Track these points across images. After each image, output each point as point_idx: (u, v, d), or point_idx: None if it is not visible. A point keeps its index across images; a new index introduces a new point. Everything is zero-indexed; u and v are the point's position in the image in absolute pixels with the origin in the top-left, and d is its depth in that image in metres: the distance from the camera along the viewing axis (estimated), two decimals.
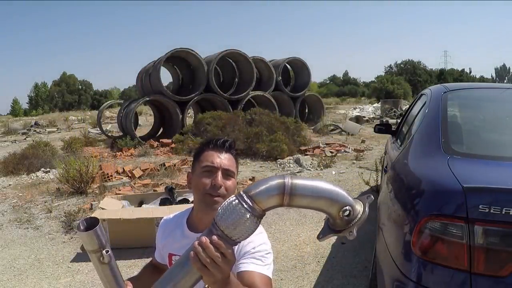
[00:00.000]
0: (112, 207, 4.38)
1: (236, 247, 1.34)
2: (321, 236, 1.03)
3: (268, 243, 1.43)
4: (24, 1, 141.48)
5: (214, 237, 0.92)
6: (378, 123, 5.51)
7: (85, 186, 6.20)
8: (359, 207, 0.96)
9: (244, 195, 0.93)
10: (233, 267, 1.31)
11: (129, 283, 1.39)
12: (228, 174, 1.42)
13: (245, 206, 0.91)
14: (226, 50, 14.32)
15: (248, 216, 0.91)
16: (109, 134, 15.28)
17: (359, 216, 0.96)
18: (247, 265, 1.34)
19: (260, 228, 1.43)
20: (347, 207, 0.94)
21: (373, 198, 0.97)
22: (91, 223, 1.15)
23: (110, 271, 1.24)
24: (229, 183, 1.41)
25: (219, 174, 1.39)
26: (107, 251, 1.19)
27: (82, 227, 1.13)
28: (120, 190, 6.23)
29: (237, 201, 0.92)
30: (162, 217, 1.68)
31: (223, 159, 1.43)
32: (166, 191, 5.08)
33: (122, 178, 7.07)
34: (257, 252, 1.39)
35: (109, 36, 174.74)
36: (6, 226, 4.91)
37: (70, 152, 10.19)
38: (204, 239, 0.93)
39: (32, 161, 8.38)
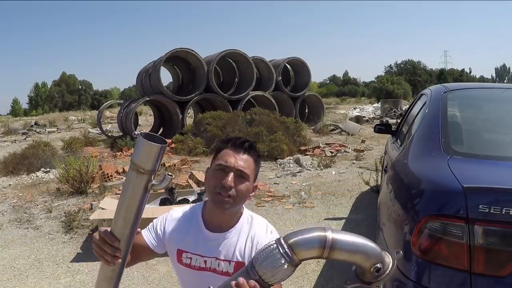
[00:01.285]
0: (112, 207, 4.38)
1: (255, 249, 1.43)
2: (349, 283, 1.04)
3: None
4: (24, 2, 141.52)
5: (252, 282, 0.97)
6: (378, 123, 5.52)
7: (85, 186, 6.20)
8: (388, 262, 0.99)
9: (284, 243, 0.96)
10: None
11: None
12: (241, 175, 1.37)
13: (284, 255, 0.95)
14: (226, 50, 14.32)
15: (286, 265, 0.95)
16: (109, 134, 15.27)
17: (387, 271, 0.98)
18: None
19: (270, 226, 1.52)
20: (378, 264, 0.97)
21: (402, 254, 1.02)
22: (153, 139, 1.07)
23: (143, 203, 1.15)
24: (241, 186, 1.37)
25: (231, 174, 1.35)
26: (170, 176, 1.11)
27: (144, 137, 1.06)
28: (120, 190, 6.22)
29: (276, 249, 0.96)
30: None
31: (238, 159, 1.38)
32: (166, 191, 5.07)
33: (122, 178, 7.06)
34: None
35: (109, 36, 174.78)
36: (6, 226, 4.91)
37: (70, 152, 10.19)
38: (242, 280, 0.97)
39: (32, 161, 8.38)
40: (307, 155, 9.28)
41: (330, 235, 0.95)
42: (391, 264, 0.99)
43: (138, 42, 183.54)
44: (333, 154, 9.20)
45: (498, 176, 1.75)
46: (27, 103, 65.18)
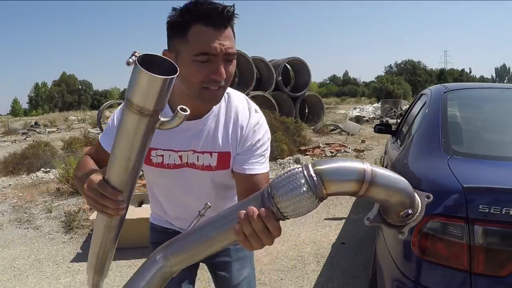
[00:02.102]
0: None
1: (239, 136, 1.24)
2: (371, 221, 0.89)
3: (268, 129, 1.30)
4: (24, 1, 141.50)
5: (263, 210, 0.78)
6: (378, 123, 5.51)
7: None
8: (417, 205, 0.85)
9: (312, 171, 0.78)
10: (234, 159, 1.26)
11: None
12: (229, 58, 1.09)
13: (310, 184, 0.76)
14: None
15: (310, 196, 0.77)
16: None
17: (415, 217, 0.84)
18: (253, 167, 1.24)
19: (252, 103, 1.31)
20: (409, 210, 0.83)
21: (432, 199, 0.86)
22: (154, 64, 0.80)
23: (148, 142, 0.90)
24: (229, 70, 1.10)
25: (220, 63, 1.06)
26: (183, 109, 0.85)
27: (140, 63, 0.76)
28: None
29: (302, 176, 0.77)
30: None
31: (222, 40, 1.05)
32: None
33: None
34: (262, 146, 1.26)
35: (109, 36, 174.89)
36: (6, 226, 4.91)
37: (70, 152, 10.18)
38: (252, 211, 0.79)
39: (32, 161, 8.38)
40: (307, 155, 9.28)
41: (369, 167, 0.78)
42: (419, 208, 0.85)
43: (138, 41, 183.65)
44: (333, 154, 9.20)
45: (498, 176, 1.75)
46: (27, 103, 65.27)
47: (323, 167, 0.78)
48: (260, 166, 1.25)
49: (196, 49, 1.04)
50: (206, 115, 1.23)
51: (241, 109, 1.26)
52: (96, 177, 0.95)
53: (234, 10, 1.06)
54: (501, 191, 1.51)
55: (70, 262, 3.80)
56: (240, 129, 1.24)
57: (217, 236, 0.86)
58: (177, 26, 1.08)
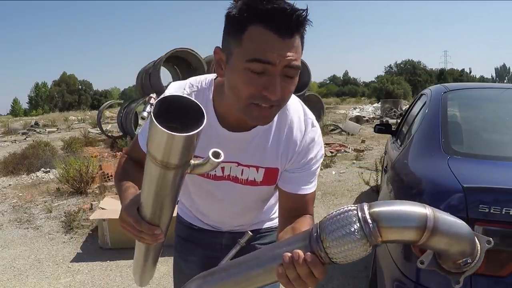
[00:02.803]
0: (112, 207, 4.38)
1: (292, 152, 1.10)
2: (426, 266, 0.78)
3: (323, 146, 1.15)
4: (24, 1, 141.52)
5: (309, 255, 0.72)
6: (378, 123, 5.51)
7: (85, 186, 6.19)
8: (476, 252, 0.74)
9: (367, 214, 0.70)
10: (281, 175, 1.14)
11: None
12: (290, 74, 0.89)
13: (366, 231, 0.69)
14: None
15: (364, 244, 0.70)
16: (109, 134, 15.27)
17: (473, 265, 0.74)
18: (302, 186, 1.12)
19: (309, 114, 1.14)
20: (469, 258, 0.73)
21: (493, 243, 0.75)
22: (172, 110, 0.71)
23: (181, 184, 0.84)
24: (289, 88, 0.92)
25: (278, 78, 0.87)
26: (217, 154, 0.77)
27: (158, 112, 0.69)
28: None
29: (356, 220, 0.70)
30: None
31: (285, 49, 0.84)
32: None
33: None
34: (314, 165, 1.14)
35: (109, 36, 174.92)
36: (6, 226, 4.91)
37: (70, 152, 10.19)
38: (298, 255, 0.72)
39: (32, 161, 8.38)
40: None
41: (431, 212, 0.69)
42: (478, 255, 0.74)
43: (138, 42, 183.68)
44: (333, 154, 9.20)
45: (498, 176, 1.76)
46: (27, 103, 65.30)
47: (381, 209, 0.70)
48: (309, 185, 1.13)
49: (250, 54, 0.85)
50: (256, 127, 1.07)
51: (296, 122, 1.10)
52: (131, 208, 0.90)
53: (307, 15, 0.85)
54: (501, 191, 1.51)
55: (70, 262, 3.80)
56: (293, 145, 1.10)
57: (258, 276, 0.81)
58: (234, 22, 0.88)
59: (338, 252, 0.71)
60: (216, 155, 0.77)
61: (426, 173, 1.93)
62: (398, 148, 2.83)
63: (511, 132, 2.47)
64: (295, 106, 1.11)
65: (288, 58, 0.85)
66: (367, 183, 5.96)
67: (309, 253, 0.72)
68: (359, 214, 0.70)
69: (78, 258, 3.87)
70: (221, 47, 0.95)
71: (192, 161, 0.78)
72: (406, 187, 2.04)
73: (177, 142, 0.69)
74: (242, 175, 1.14)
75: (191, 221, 1.44)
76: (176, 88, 1.10)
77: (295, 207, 1.11)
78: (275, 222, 1.43)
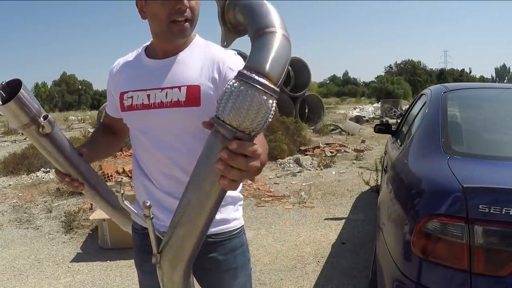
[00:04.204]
0: None
1: (218, 70, 1.17)
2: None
3: None
4: (23, 1, 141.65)
5: (234, 145, 0.67)
6: (378, 123, 5.51)
7: None
8: None
9: (253, 74, 0.66)
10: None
11: (83, 149, 1.25)
12: None
13: (260, 88, 0.65)
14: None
15: (266, 99, 0.66)
16: None
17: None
18: None
19: (233, 52, 1.27)
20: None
21: None
22: (13, 89, 0.95)
23: (56, 141, 1.08)
24: (193, 2, 1.14)
25: None
26: (45, 117, 1.01)
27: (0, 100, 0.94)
28: (117, 191, 6.19)
29: (244, 85, 0.66)
30: None
31: None
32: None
33: (122, 178, 7.03)
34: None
35: (109, 36, 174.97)
36: (6, 226, 4.92)
37: None
38: (225, 153, 0.67)
39: (32, 161, 8.37)
40: (307, 155, 9.28)
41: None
42: None
43: (137, 42, 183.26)
44: (333, 154, 9.19)
45: (498, 176, 1.76)
46: None
47: (265, 67, 0.68)
48: None
49: None
50: (179, 53, 1.21)
51: (220, 49, 1.23)
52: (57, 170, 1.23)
53: None
54: (501, 191, 1.51)
55: (70, 262, 3.80)
56: (218, 62, 1.18)
57: (200, 200, 0.75)
58: None
59: (252, 122, 0.66)
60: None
61: (426, 173, 1.94)
62: (398, 148, 2.83)
63: (511, 132, 2.47)
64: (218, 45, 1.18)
65: None
66: (367, 183, 5.96)
67: (230, 141, 0.67)
68: (247, 80, 0.66)
69: (78, 258, 3.87)
70: None
71: (43, 129, 1.01)
72: (406, 187, 2.04)
73: (11, 110, 0.94)
74: (166, 97, 1.17)
75: (142, 223, 1.29)
76: (119, 60, 1.37)
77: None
78: (234, 225, 1.32)
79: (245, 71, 0.67)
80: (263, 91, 0.66)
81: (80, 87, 65.68)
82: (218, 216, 1.25)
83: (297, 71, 18.27)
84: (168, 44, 1.18)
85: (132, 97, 1.21)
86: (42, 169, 8.13)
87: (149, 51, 1.26)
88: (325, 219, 4.76)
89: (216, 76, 1.17)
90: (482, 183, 1.60)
